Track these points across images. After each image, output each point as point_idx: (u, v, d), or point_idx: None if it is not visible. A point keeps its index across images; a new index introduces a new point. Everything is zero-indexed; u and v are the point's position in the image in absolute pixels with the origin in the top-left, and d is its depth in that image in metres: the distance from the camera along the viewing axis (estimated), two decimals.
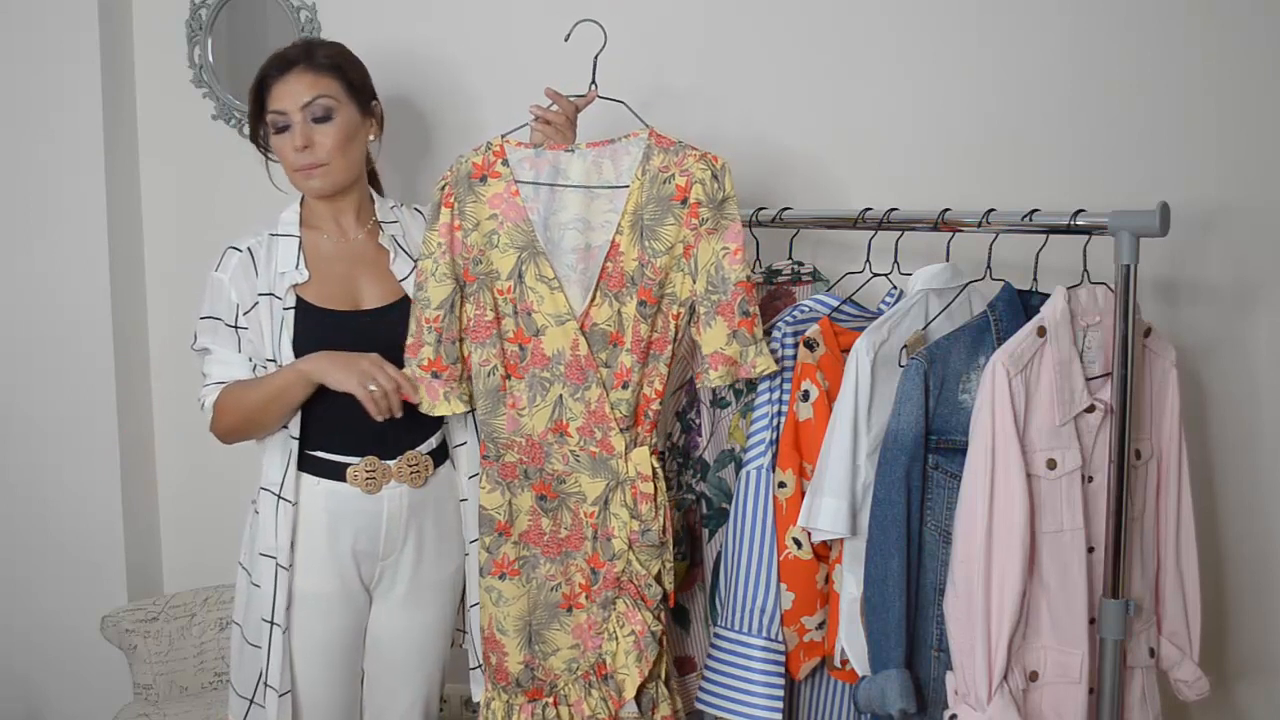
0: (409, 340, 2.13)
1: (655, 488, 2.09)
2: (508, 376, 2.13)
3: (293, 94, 2.14)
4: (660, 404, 2.12)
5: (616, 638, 2.10)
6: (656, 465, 2.11)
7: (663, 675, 2.14)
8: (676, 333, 2.10)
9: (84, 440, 2.91)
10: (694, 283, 2.07)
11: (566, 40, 2.16)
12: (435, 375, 2.12)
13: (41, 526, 2.96)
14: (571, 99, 2.19)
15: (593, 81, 2.18)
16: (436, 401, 2.13)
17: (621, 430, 2.09)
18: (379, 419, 2.08)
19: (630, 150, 2.09)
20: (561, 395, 2.10)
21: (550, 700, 2.15)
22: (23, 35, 2.84)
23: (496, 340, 2.12)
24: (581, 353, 2.08)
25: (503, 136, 2.13)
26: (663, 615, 2.12)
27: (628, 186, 2.08)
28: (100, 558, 2.93)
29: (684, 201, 2.05)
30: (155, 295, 3.00)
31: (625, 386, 2.08)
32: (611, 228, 2.09)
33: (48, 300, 2.91)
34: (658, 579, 2.11)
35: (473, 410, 2.18)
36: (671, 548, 2.13)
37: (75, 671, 2.97)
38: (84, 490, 2.93)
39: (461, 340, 2.14)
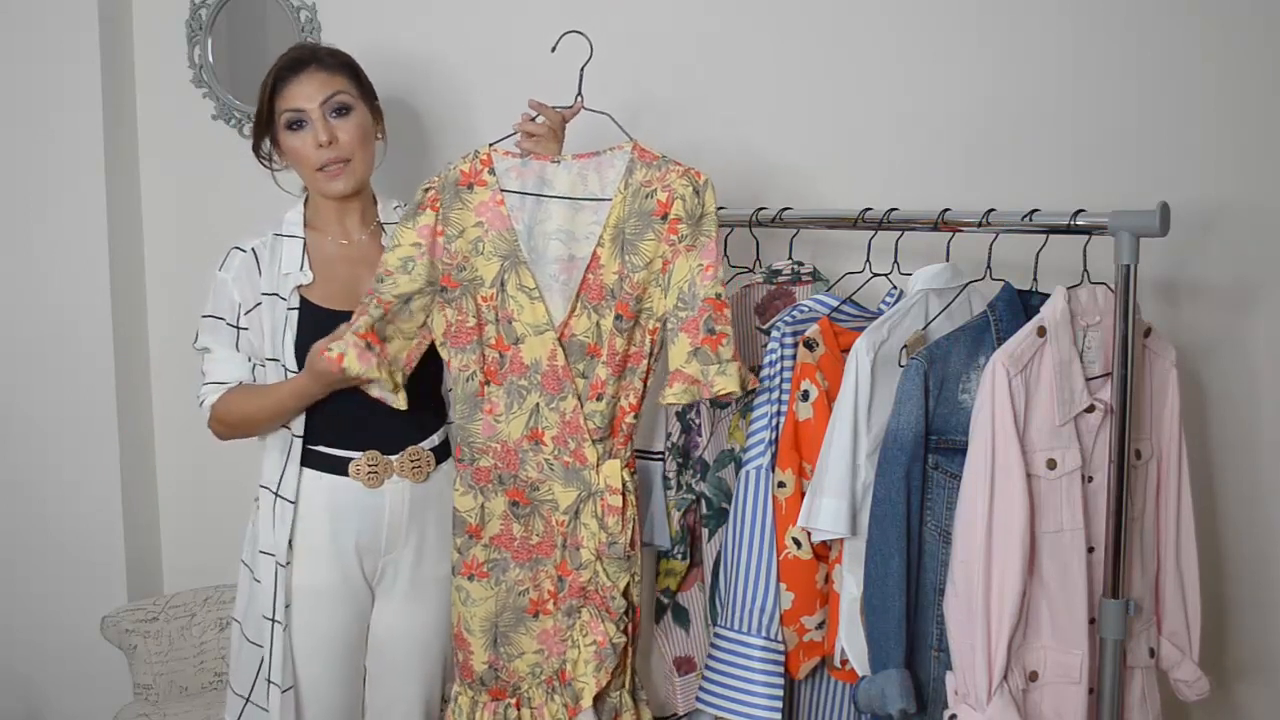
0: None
1: (625, 501, 2.09)
2: (486, 383, 2.13)
3: (309, 92, 2.14)
4: (635, 417, 2.12)
5: (578, 646, 2.11)
6: (627, 479, 2.11)
7: (626, 685, 2.15)
8: (653, 348, 2.10)
9: (84, 440, 2.91)
10: (665, 298, 2.06)
11: (553, 51, 2.16)
12: (369, 346, 2.07)
13: (41, 526, 2.96)
14: (558, 110, 2.17)
15: (579, 93, 2.18)
16: (367, 368, 2.05)
17: (594, 442, 2.09)
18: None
19: (615, 163, 2.09)
20: (538, 404, 2.11)
21: (513, 702, 2.17)
22: (23, 35, 2.85)
23: (477, 346, 2.13)
24: (559, 363, 2.09)
25: (490, 145, 2.14)
26: (627, 628, 2.13)
27: (611, 199, 2.08)
28: (100, 558, 2.93)
29: (664, 217, 2.05)
30: (155, 295, 3.00)
31: (600, 399, 2.08)
32: (594, 240, 2.09)
33: (48, 300, 2.91)
34: (625, 593, 2.11)
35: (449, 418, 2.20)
36: (639, 562, 2.14)
37: (75, 671, 2.97)
38: (84, 490, 2.93)
39: (444, 344, 2.14)
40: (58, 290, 2.90)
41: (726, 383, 2.03)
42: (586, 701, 2.09)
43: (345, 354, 2.07)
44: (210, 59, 2.87)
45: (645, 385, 2.12)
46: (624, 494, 2.10)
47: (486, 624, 2.17)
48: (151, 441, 3.03)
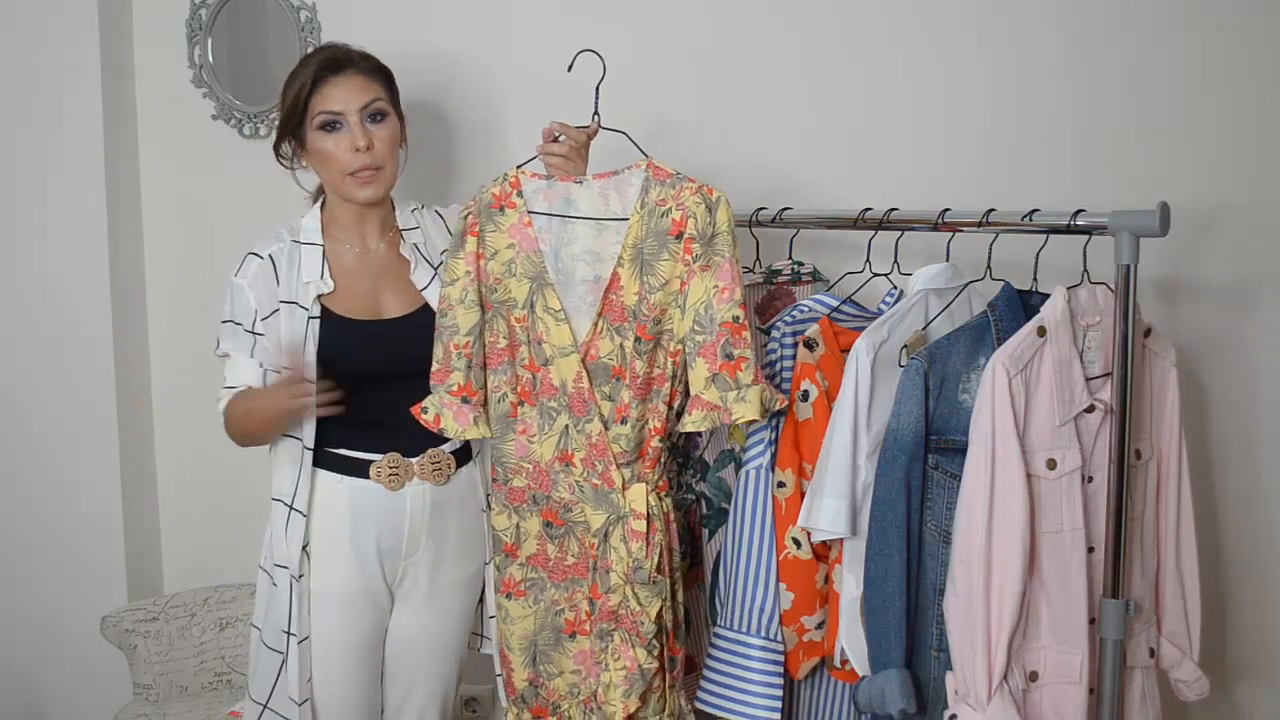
0: (435, 367, 2.12)
1: (650, 527, 2.06)
2: (519, 403, 2.12)
3: (348, 95, 2.13)
4: (662, 441, 2.09)
5: (609, 670, 2.09)
6: (654, 503, 2.08)
7: (668, 709, 2.12)
8: (675, 370, 2.07)
9: (84, 440, 2.91)
10: (683, 320, 2.04)
11: (570, 70, 2.13)
12: (465, 400, 2.11)
13: (41, 526, 2.96)
14: (581, 129, 2.14)
15: (595, 112, 2.15)
16: (465, 426, 2.12)
17: (620, 465, 2.07)
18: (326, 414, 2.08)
19: (632, 181, 2.08)
20: (567, 426, 2.09)
21: None
22: (23, 35, 2.84)
23: (509, 367, 2.12)
24: (584, 385, 2.07)
25: (518, 167, 2.13)
26: (659, 653, 2.09)
27: (629, 219, 2.07)
28: (100, 558, 2.93)
29: (679, 236, 2.03)
30: (155, 295, 3.00)
31: (624, 422, 2.06)
32: (615, 260, 2.07)
33: (48, 300, 2.91)
34: (656, 618, 2.07)
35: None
36: (669, 588, 2.10)
37: (75, 671, 2.97)
38: (84, 490, 2.93)
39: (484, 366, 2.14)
40: (58, 290, 2.90)
41: (746, 410, 2.00)
42: None
43: (440, 415, 2.10)
44: (210, 59, 2.87)
45: (670, 408, 2.09)
46: (649, 519, 2.06)
47: (525, 642, 2.17)
48: (151, 441, 3.03)
